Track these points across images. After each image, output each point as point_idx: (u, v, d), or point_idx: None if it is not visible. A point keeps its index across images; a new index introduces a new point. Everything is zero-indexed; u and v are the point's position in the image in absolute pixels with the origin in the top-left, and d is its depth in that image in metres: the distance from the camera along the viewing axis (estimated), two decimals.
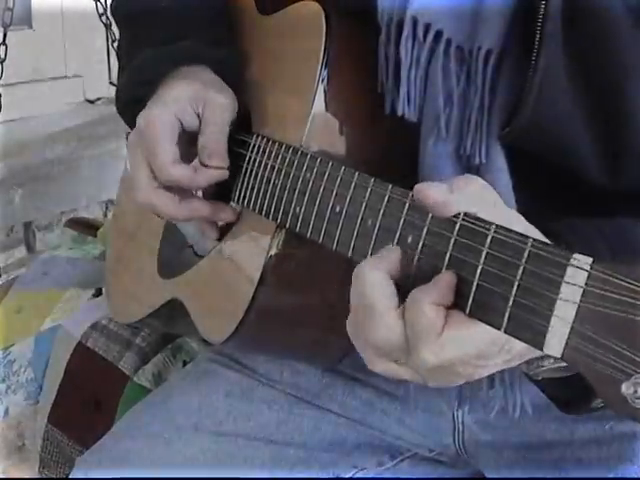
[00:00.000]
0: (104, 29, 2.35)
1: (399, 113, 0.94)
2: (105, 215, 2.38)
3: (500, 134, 0.90)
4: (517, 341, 0.67)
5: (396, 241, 0.78)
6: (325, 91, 1.00)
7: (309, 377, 1.17)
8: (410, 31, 0.92)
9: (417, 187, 0.73)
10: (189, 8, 1.17)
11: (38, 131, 2.34)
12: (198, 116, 1.08)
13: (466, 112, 0.92)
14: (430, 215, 0.75)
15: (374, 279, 0.74)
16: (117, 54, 1.23)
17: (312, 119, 1.00)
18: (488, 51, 0.89)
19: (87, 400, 1.51)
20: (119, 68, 1.21)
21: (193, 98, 1.07)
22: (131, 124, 1.17)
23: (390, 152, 1.02)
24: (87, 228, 1.94)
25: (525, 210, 0.79)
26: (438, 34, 0.91)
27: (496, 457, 1.11)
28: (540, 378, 0.81)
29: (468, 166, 0.93)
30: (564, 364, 0.75)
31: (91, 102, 2.56)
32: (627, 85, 0.87)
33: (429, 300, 0.70)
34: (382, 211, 0.81)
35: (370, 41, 1.00)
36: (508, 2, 0.88)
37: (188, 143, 1.08)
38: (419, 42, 0.92)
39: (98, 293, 1.62)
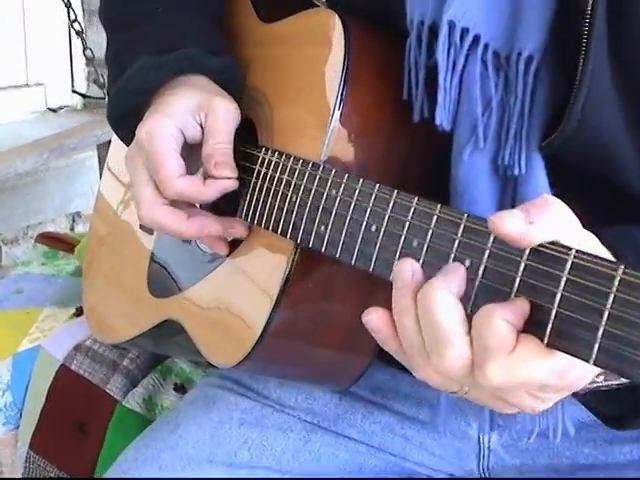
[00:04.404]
0: (67, 36, 2.27)
1: (436, 122, 0.89)
2: (72, 228, 2.31)
3: (541, 144, 0.86)
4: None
5: (452, 262, 0.74)
6: (344, 102, 0.95)
7: (325, 402, 1.12)
8: (446, 35, 0.87)
9: (492, 218, 0.67)
10: (187, 14, 1.11)
11: (1, 141, 2.25)
12: (201, 127, 1.02)
13: (504, 120, 0.87)
14: (492, 237, 0.70)
15: (446, 303, 0.69)
16: (105, 61, 1.17)
17: (331, 132, 0.95)
18: (529, 57, 0.85)
19: (72, 425, 1.44)
20: (109, 76, 1.15)
21: (195, 108, 1.02)
22: (124, 135, 1.11)
23: (414, 164, 0.98)
24: (58, 243, 1.87)
25: None
26: (476, 39, 0.87)
27: None
28: (583, 393, 0.76)
29: (505, 177, 0.89)
30: (617, 381, 0.72)
31: (54, 111, 2.49)
32: None
33: (502, 316, 0.66)
34: (431, 232, 0.76)
35: (392, 46, 0.96)
36: (549, 7, 0.84)
37: (189, 156, 1.02)
38: (455, 47, 0.87)
39: (79, 312, 1.55)
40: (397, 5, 0.93)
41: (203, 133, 1.02)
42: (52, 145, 2.09)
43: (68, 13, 2.11)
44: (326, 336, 1.00)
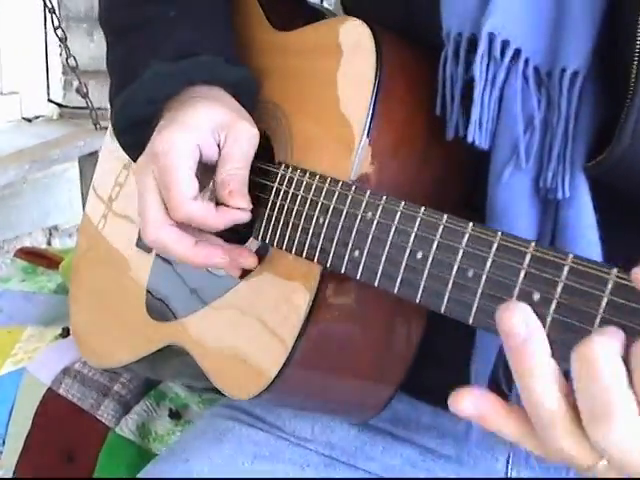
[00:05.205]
0: (43, 44, 2.20)
1: (468, 139, 0.84)
2: (49, 242, 2.22)
3: (586, 165, 0.81)
4: None
5: (516, 295, 0.68)
6: (376, 117, 0.90)
7: (343, 434, 1.06)
8: (486, 48, 0.82)
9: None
10: (200, 19, 1.05)
11: None
12: (218, 146, 0.96)
13: (546, 140, 0.82)
14: (566, 269, 0.65)
15: (614, 365, 0.59)
16: (107, 67, 1.10)
17: (361, 149, 0.89)
18: (574, 73, 0.80)
19: (60, 453, 1.36)
20: (112, 83, 1.08)
21: (216, 126, 0.95)
22: (129, 146, 1.06)
23: (448, 184, 0.93)
24: (38, 258, 1.79)
25: (610, 249, 0.73)
26: (516, 52, 0.82)
27: None
28: None
29: (546, 200, 0.84)
30: None
31: (29, 120, 2.40)
32: None
33: None
34: (490, 261, 0.71)
35: (423, 59, 0.91)
36: (595, 19, 0.79)
37: (200, 175, 0.96)
38: (495, 61, 0.82)
39: (66, 333, 1.48)
40: (428, 16, 0.88)
41: (219, 154, 0.96)
42: (34, 156, 2.00)
43: (52, 19, 2.03)
44: (351, 365, 0.95)
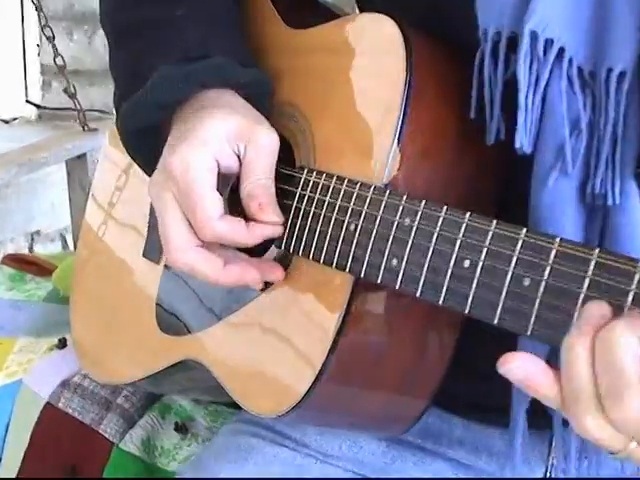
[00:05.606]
0: (20, 43, 2.14)
1: (516, 145, 0.79)
2: (31, 247, 2.16)
3: (638, 171, 0.78)
4: None
5: (581, 303, 0.65)
6: (407, 119, 0.85)
7: (371, 450, 1.02)
8: (528, 48, 0.78)
9: None
10: (209, 19, 1.01)
11: None
12: (237, 157, 0.91)
13: (593, 144, 0.79)
14: (637, 277, 0.61)
15: (631, 347, 0.60)
16: (111, 71, 1.05)
17: (393, 152, 0.85)
18: (621, 74, 0.76)
19: (61, 470, 1.31)
20: (117, 86, 1.03)
21: (232, 136, 0.91)
22: (136, 154, 1.01)
23: (481, 190, 0.89)
24: (27, 265, 1.74)
25: None
26: (560, 51, 0.78)
27: None
28: None
29: (593, 207, 0.80)
30: None
31: (6, 122, 2.34)
32: None
33: None
34: (549, 268, 0.67)
35: (453, 59, 0.88)
36: None
37: (220, 187, 0.91)
38: (538, 61, 0.78)
39: (63, 344, 1.42)
40: (458, 12, 0.84)
41: (239, 163, 0.92)
42: (21, 160, 1.94)
43: (38, 18, 1.97)
44: (383, 380, 0.91)
